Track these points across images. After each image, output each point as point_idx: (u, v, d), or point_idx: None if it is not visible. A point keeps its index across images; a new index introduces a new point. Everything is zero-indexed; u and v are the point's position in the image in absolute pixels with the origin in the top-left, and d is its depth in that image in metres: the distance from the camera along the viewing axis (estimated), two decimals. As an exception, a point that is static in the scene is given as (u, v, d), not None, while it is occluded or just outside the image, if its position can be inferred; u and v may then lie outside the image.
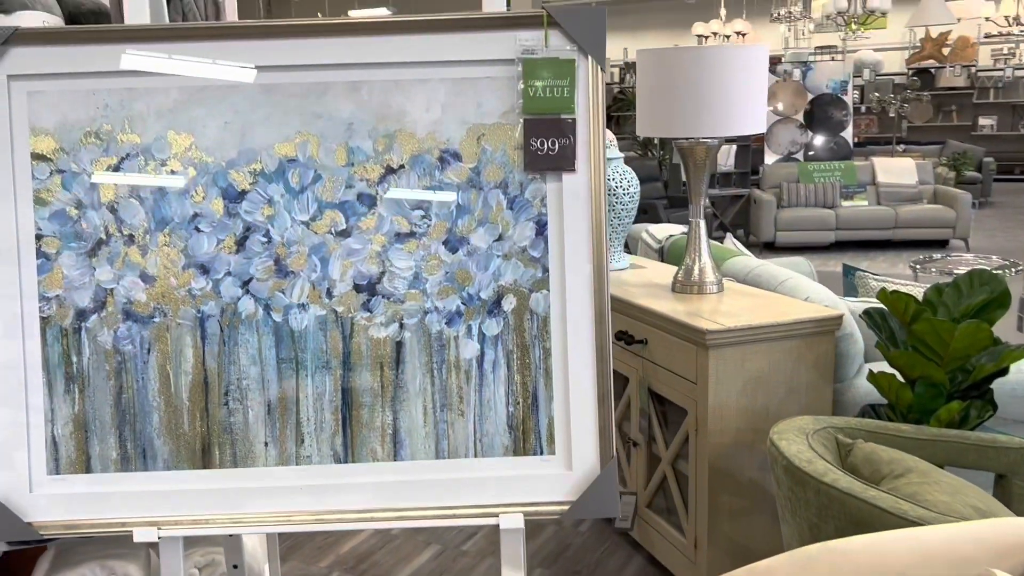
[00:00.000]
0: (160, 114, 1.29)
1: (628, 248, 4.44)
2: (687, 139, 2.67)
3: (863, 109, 14.56)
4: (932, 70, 15.94)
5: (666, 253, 3.90)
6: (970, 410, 2.31)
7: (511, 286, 1.32)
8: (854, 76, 14.08)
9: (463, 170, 1.31)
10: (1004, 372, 2.29)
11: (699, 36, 11.01)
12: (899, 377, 2.53)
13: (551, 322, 1.31)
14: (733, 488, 2.41)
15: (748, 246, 9.46)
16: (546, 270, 1.32)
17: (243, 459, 1.31)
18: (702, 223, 2.74)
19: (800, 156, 10.12)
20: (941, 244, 9.05)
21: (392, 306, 1.31)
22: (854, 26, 9.54)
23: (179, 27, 1.30)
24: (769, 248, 9.30)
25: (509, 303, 1.32)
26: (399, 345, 1.31)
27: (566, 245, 1.31)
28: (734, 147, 10.48)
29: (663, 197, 9.46)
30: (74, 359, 1.29)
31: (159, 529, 1.27)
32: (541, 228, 1.31)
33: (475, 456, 1.32)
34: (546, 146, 1.28)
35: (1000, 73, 15.58)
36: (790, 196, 9.10)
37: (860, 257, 8.66)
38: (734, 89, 2.53)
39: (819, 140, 10.09)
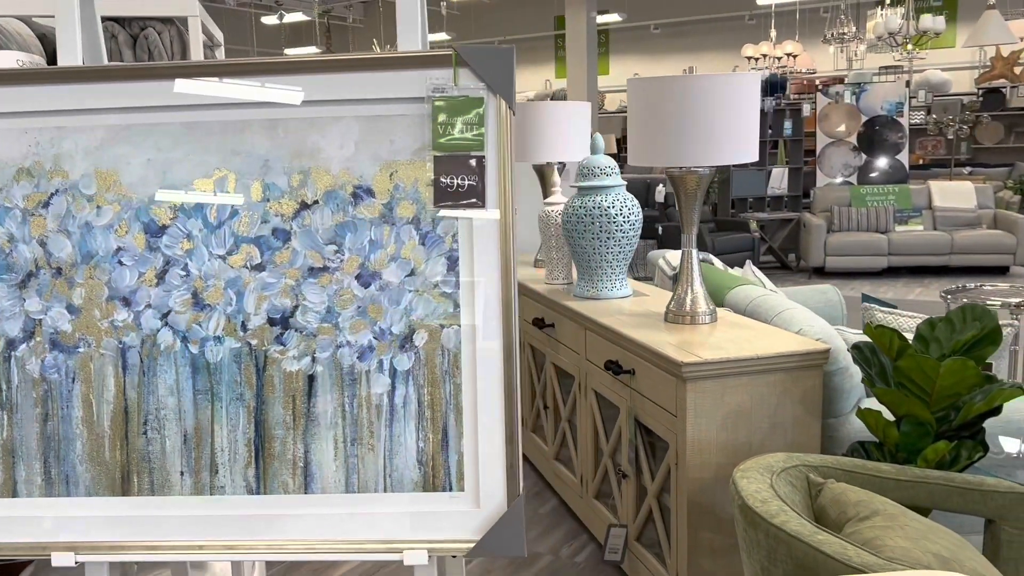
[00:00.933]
0: (87, 152, 1.34)
1: (645, 273, 4.39)
2: (678, 168, 2.64)
3: (929, 131, 14.15)
4: (1004, 89, 15.41)
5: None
6: (960, 451, 2.22)
7: (423, 321, 1.33)
8: (918, 97, 13.72)
9: (376, 206, 1.33)
10: (996, 412, 2.19)
11: (749, 58, 10.89)
12: (887, 414, 2.46)
13: (462, 358, 1.32)
14: (713, 524, 2.36)
15: (798, 271, 9.27)
16: (457, 306, 1.32)
17: (160, 487, 1.35)
18: (694, 252, 2.70)
19: (854, 179, 9.89)
20: (1001, 271, 8.72)
21: (305, 340, 1.33)
22: (909, 47, 9.30)
23: (107, 68, 1.36)
24: (819, 273, 9.09)
25: (421, 338, 1.33)
26: (311, 379, 1.33)
27: (477, 281, 1.31)
28: (786, 170, 10.32)
29: (710, 220, 9.36)
30: (3, 387, 1.34)
31: (76, 554, 1.32)
32: (453, 264, 1.32)
33: (385, 491, 1.33)
34: (455, 183, 1.29)
35: (1075, 92, 14.98)
36: (841, 220, 8.89)
37: (914, 284, 8.40)
38: (724, 118, 2.50)
39: (873, 163, 9.85)
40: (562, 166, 3.89)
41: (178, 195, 1.33)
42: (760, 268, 10.03)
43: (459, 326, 1.33)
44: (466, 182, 1.29)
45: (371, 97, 1.31)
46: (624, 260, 3.17)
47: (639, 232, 3.16)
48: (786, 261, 9.47)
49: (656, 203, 9.69)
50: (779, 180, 10.60)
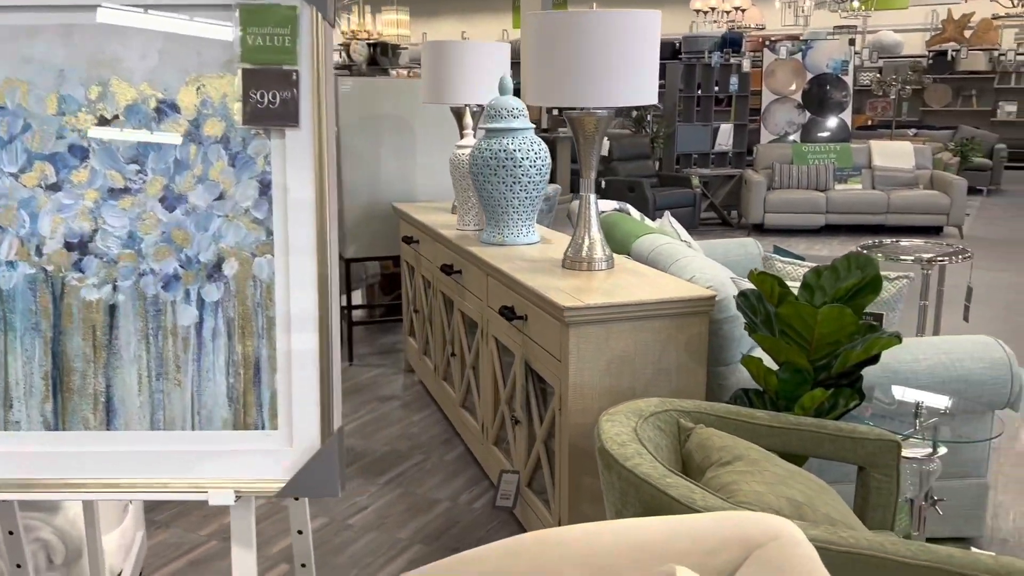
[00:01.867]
0: None
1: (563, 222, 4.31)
2: (575, 109, 2.56)
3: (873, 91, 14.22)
4: (953, 53, 15.52)
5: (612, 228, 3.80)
6: (838, 399, 2.21)
7: (233, 249, 1.25)
8: (871, 59, 13.75)
9: (181, 123, 1.23)
10: (874, 360, 2.18)
11: (697, 11, 10.77)
12: (770, 362, 2.44)
13: (275, 289, 1.24)
14: (594, 470, 2.34)
15: (738, 227, 9.30)
16: (270, 233, 1.25)
17: (-49, 421, 1.27)
18: (592, 198, 2.64)
19: (797, 137, 9.91)
20: (935, 231, 8.84)
21: (105, 267, 1.24)
22: (856, 4, 9.26)
23: None
24: (758, 230, 9.13)
25: (231, 267, 1.25)
26: (112, 308, 1.25)
27: (290, 207, 1.23)
28: (731, 126, 10.30)
29: (653, 175, 9.32)
30: None
31: None
32: (265, 188, 1.24)
33: (193, 428, 1.26)
34: (267, 99, 1.21)
35: (1023, 58, 15.16)
36: (782, 177, 8.92)
37: (849, 242, 8.48)
38: (623, 57, 2.42)
39: (817, 121, 9.86)
40: (480, 109, 3.79)
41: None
42: (702, 224, 10.02)
43: (272, 255, 1.25)
44: (278, 98, 1.20)
45: (176, 3, 1.21)
46: (531, 206, 3.10)
47: (547, 178, 3.09)
48: (727, 218, 9.50)
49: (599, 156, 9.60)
50: (726, 137, 10.58)
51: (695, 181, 8.96)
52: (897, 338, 2.12)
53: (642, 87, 2.47)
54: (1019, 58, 15.23)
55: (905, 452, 2.25)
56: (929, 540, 2.73)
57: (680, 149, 9.86)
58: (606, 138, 9.49)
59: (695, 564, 1.12)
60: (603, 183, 9.00)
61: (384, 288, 5.29)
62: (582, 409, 2.29)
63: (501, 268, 2.68)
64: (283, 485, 1.25)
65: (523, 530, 2.81)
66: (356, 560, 2.66)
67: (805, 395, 2.14)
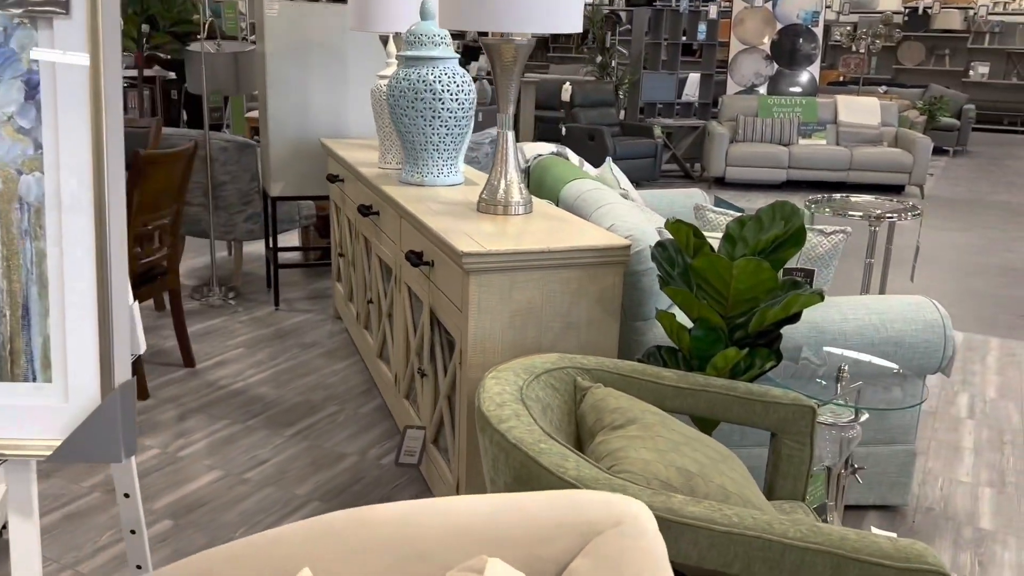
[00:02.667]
0: None
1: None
2: (493, 35, 2.34)
3: (852, 48, 14.03)
4: (927, 9, 15.30)
5: (531, 173, 3.60)
6: (755, 359, 2.05)
7: (-4, 165, 1.03)
8: (846, 10, 13.50)
9: (-75, 9, 1.01)
10: (794, 319, 2.02)
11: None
12: (685, 319, 2.28)
13: (45, 215, 1.04)
14: (494, 429, 2.16)
15: (700, 180, 9.12)
16: (39, 146, 1.03)
17: None
18: (510, 135, 2.43)
19: (763, 89, 9.70)
20: (897, 190, 8.74)
21: None
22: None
23: None
24: (719, 183, 8.97)
25: (-6, 187, 1.03)
26: None
27: (61, 115, 1.02)
28: (698, 75, 10.05)
29: (615, 124, 9.09)
30: None
31: None
32: (32, 91, 1.02)
33: (-50, 377, 1.06)
34: (29, -18, 0.98)
35: (998, 18, 14.99)
36: (746, 130, 8.72)
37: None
38: (542, -20, 2.19)
39: (784, 74, 9.65)
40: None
41: None
42: (663, 176, 9.82)
43: (41, 173, 1.04)
44: (43, -19, 0.98)
45: None
46: (455, 144, 2.89)
47: (471, 114, 2.87)
48: (689, 170, 9.31)
49: (561, 102, 9.34)
50: (693, 87, 10.34)
51: (658, 131, 8.74)
52: (819, 296, 1.95)
53: (566, 13, 2.25)
54: (993, 18, 15.06)
55: (824, 418, 2.11)
56: (851, 508, 2.62)
57: (645, 98, 9.61)
58: (568, 83, 9.23)
59: (523, 554, 0.95)
60: (563, 129, 8.76)
61: (320, 230, 5.06)
62: (482, 364, 2.12)
63: (409, 209, 2.48)
64: (57, 446, 1.06)
65: (428, 489, 2.66)
66: (246, 518, 2.49)
67: (718, 354, 1.98)
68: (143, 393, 3.25)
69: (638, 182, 8.78)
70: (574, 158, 3.67)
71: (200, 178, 4.54)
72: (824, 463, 2.15)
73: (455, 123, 2.82)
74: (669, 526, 1.30)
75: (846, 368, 2.11)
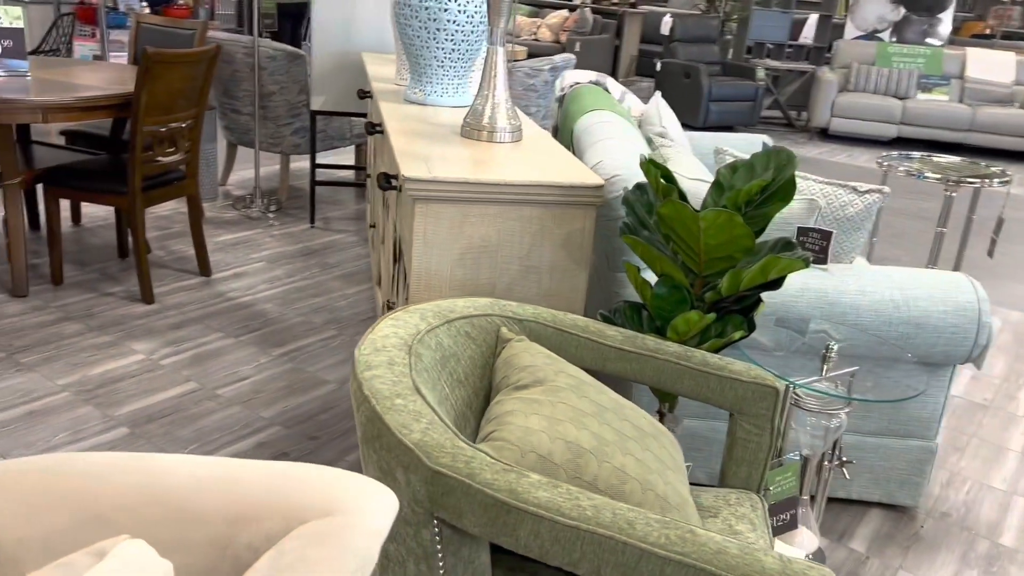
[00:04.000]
0: None
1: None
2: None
3: (997, -5, 12.72)
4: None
5: (565, 102, 3.33)
6: (726, 326, 1.80)
7: None
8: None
9: None
10: (774, 285, 1.75)
11: None
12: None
13: None
14: (436, 373, 1.99)
15: (802, 131, 8.52)
16: None
17: None
18: (500, 52, 2.19)
19: (885, 36, 8.91)
20: (1022, 156, 7.93)
21: None
22: None
23: None
24: (822, 135, 8.36)
25: None
26: None
27: None
28: (815, 17, 9.33)
29: (716, 63, 8.55)
30: None
31: None
32: None
33: None
34: None
35: None
36: (858, 79, 8.05)
37: (920, 158, 7.65)
38: None
39: (911, 20, 8.81)
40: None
41: None
42: (762, 123, 9.25)
43: None
44: None
45: None
46: (463, 61, 2.66)
47: (482, 30, 2.63)
48: (792, 118, 8.71)
49: (661, 36, 8.84)
50: (811, 29, 9.62)
51: (760, 74, 8.17)
52: (803, 262, 1.67)
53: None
54: None
55: (804, 402, 1.84)
56: (852, 503, 2.34)
57: (754, 36, 8.99)
58: (668, 15, 8.72)
59: (216, 534, 0.78)
60: (658, 65, 8.31)
61: (371, 150, 4.93)
62: (427, 301, 1.93)
63: (388, 127, 2.29)
64: None
65: (396, 426, 2.52)
66: (202, 435, 2.42)
67: (679, 316, 1.73)
68: (148, 298, 3.23)
69: (733, 127, 8.28)
70: (615, 89, 3.37)
71: (248, 87, 4.46)
72: (802, 451, 1.89)
73: (462, 38, 2.59)
74: (508, 511, 1.11)
75: (834, 348, 1.82)
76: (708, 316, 1.73)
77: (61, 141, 4.21)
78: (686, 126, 8.20)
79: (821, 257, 2.16)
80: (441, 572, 1.20)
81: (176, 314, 3.17)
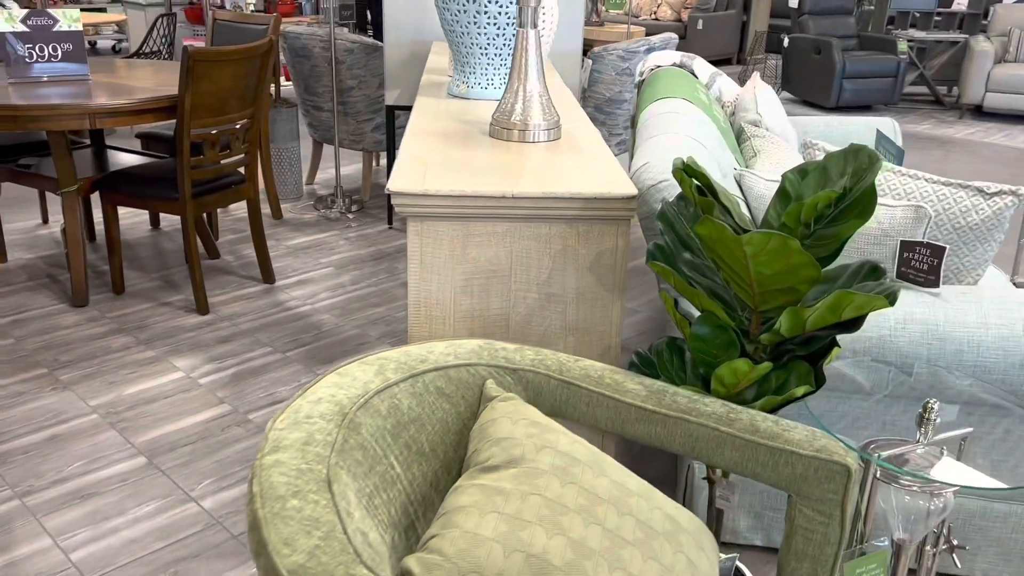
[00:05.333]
0: None
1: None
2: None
3: None
4: None
5: (642, 89, 2.95)
6: (790, 378, 1.40)
7: None
8: None
9: None
10: (853, 326, 1.34)
11: None
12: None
13: None
14: (443, 420, 1.69)
15: (952, 108, 7.65)
16: None
17: None
18: (532, 36, 1.86)
19: (1054, -3, 7.85)
20: None
21: None
22: None
23: None
24: (976, 112, 7.48)
25: None
26: None
27: None
28: (970, -20, 8.37)
29: (851, 36, 7.80)
30: None
31: None
32: None
33: None
34: None
35: None
36: (1020, 48, 7.12)
37: (1094, 136, 6.70)
38: None
39: (1086, -23, 7.73)
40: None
41: None
42: (905, 100, 8.39)
43: None
44: None
45: None
46: (509, 48, 2.34)
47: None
48: (940, 94, 7.83)
49: (791, 9, 8.15)
50: (966, -6, 8.64)
51: (903, 46, 7.37)
52: (884, 299, 1.26)
53: None
54: None
55: (900, 481, 1.42)
56: (972, 583, 1.88)
57: (896, 6, 8.15)
58: (797, -13, 8.02)
59: None
60: (785, 40, 7.66)
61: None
62: (429, 335, 1.64)
63: (410, 126, 2.00)
64: None
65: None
66: (221, 468, 2.23)
67: (723, 365, 1.35)
68: (203, 308, 3.10)
69: (871, 106, 7.54)
70: (703, 71, 2.95)
71: (328, 82, 4.30)
72: (893, 536, 1.47)
73: (507, 21, 2.27)
74: None
75: (935, 407, 1.39)
76: (763, 366, 1.35)
77: (138, 145, 4.18)
78: (815, 107, 7.52)
79: (931, 279, 1.71)
80: None
81: (228, 326, 3.01)
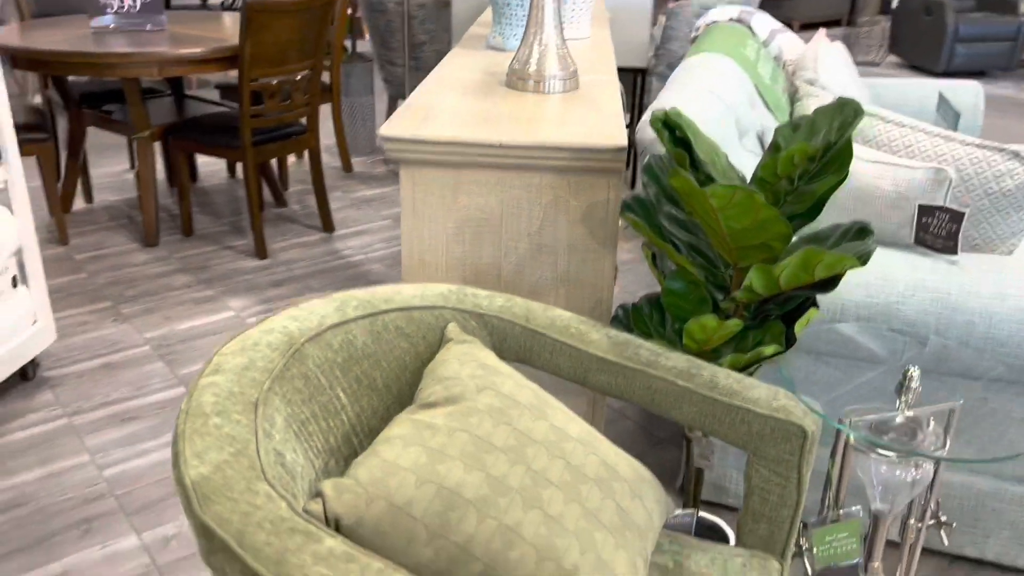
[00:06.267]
0: None
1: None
2: None
3: None
4: None
5: (694, 44, 2.86)
6: (763, 337, 1.37)
7: None
8: None
9: None
10: (826, 286, 1.30)
11: None
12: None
13: None
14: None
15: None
16: None
17: None
18: (549, -15, 1.84)
19: None
20: None
21: None
22: None
23: None
24: (1103, 80, 6.92)
25: None
26: None
27: None
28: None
29: (969, -5, 7.30)
30: None
31: None
32: None
33: None
34: None
35: None
36: None
37: None
38: None
39: None
40: None
41: None
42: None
43: None
44: None
45: None
46: (549, 0, 2.31)
47: (570, -39, 2.27)
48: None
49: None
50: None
51: (1025, 7, 6.86)
52: (855, 259, 1.21)
53: None
54: None
55: (871, 447, 1.37)
56: (986, 565, 1.81)
57: (1023, -36, 7.56)
58: (910, -57, 7.55)
59: None
60: (895, 0, 7.25)
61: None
62: (423, 282, 1.67)
63: (432, 75, 2.02)
64: None
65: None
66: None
67: (692, 321, 1.34)
68: (262, 253, 3.23)
69: (985, 72, 7.08)
70: (762, 27, 2.84)
71: (401, 37, 4.35)
72: (872, 505, 1.42)
73: (545, -27, 2.24)
74: (270, 589, 0.84)
75: (914, 373, 1.32)
76: (732, 322, 1.32)
77: (217, 96, 4.34)
78: (923, 71, 7.11)
79: (949, 245, 1.63)
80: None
81: (283, 271, 3.14)
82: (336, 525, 0.99)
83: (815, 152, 1.25)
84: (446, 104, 1.75)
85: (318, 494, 1.01)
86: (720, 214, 1.26)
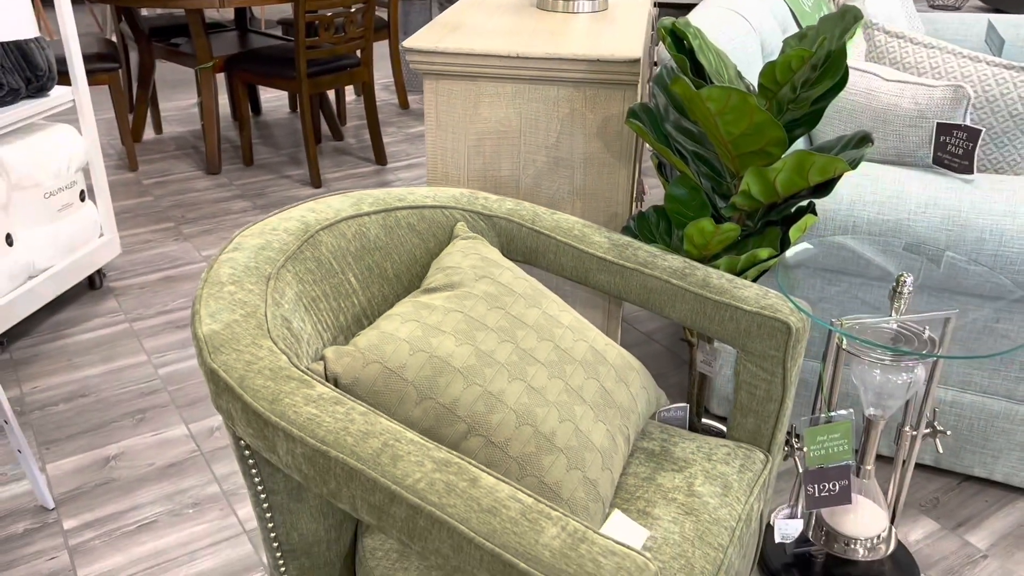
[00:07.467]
0: None
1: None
2: None
3: None
4: None
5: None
6: (764, 244, 1.42)
7: None
8: None
9: None
10: (820, 191, 1.33)
11: None
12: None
13: None
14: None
15: None
16: None
17: None
18: (579, -95, 1.87)
19: None
20: None
21: None
22: None
23: None
24: None
25: None
26: None
27: None
28: None
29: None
30: None
31: None
32: None
33: None
34: None
35: None
36: None
37: None
38: None
39: None
40: None
41: None
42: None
43: None
44: None
45: None
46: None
47: None
48: None
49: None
50: None
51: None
52: (845, 163, 1.24)
53: None
54: None
55: (869, 351, 1.42)
56: (994, 485, 1.83)
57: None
58: None
59: None
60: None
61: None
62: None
63: None
64: None
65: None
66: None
67: (691, 225, 1.39)
68: (316, 182, 3.36)
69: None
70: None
71: (458, -26, 4.38)
72: (866, 411, 1.47)
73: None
74: (266, 424, 0.95)
75: (907, 280, 1.35)
76: (727, 225, 1.37)
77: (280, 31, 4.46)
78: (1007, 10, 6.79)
79: (965, 164, 1.63)
80: (263, 498, 1.07)
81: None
82: (335, 384, 1.10)
83: (812, 56, 1.28)
84: (474, 21, 1.81)
85: (321, 358, 1.11)
86: (719, 119, 1.30)
